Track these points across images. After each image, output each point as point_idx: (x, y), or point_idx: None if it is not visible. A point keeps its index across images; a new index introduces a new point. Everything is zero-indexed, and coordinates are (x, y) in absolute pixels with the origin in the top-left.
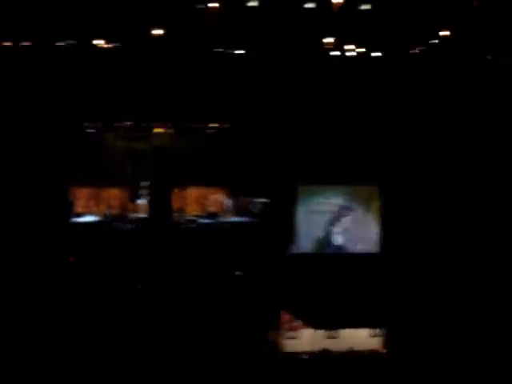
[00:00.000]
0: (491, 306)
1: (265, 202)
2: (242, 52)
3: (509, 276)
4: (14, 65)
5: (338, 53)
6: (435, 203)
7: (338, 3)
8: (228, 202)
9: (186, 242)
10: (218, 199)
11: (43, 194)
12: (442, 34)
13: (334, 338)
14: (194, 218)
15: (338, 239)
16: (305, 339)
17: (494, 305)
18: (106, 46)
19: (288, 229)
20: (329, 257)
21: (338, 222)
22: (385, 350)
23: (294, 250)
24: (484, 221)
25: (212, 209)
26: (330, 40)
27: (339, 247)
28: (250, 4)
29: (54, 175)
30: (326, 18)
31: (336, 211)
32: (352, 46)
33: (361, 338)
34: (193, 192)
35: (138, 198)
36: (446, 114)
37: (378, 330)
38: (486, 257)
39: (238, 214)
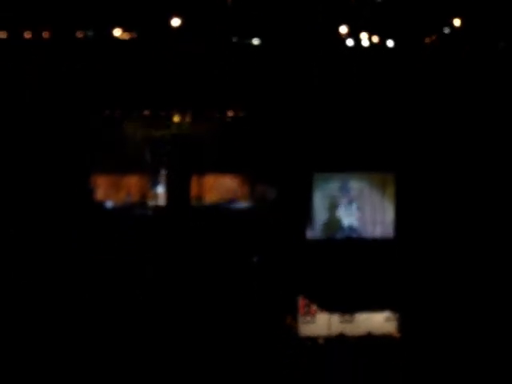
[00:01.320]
0: (502, 292)
1: (282, 189)
2: (258, 41)
3: None
4: (35, 55)
5: (352, 42)
6: (449, 191)
7: None
8: (245, 188)
9: (203, 228)
10: (236, 186)
11: (64, 182)
12: (454, 23)
13: (350, 322)
14: (212, 204)
15: (353, 225)
16: (321, 323)
17: (505, 292)
18: (125, 36)
19: (304, 215)
20: (344, 242)
21: (354, 207)
22: (399, 334)
23: (311, 235)
24: (497, 210)
25: (229, 195)
26: (345, 29)
27: (354, 232)
28: None
29: (74, 163)
30: (341, 8)
31: (351, 197)
32: (366, 35)
33: (376, 322)
34: (210, 179)
35: (157, 184)
36: (461, 103)
37: (392, 314)
38: (497, 245)
39: (255, 200)
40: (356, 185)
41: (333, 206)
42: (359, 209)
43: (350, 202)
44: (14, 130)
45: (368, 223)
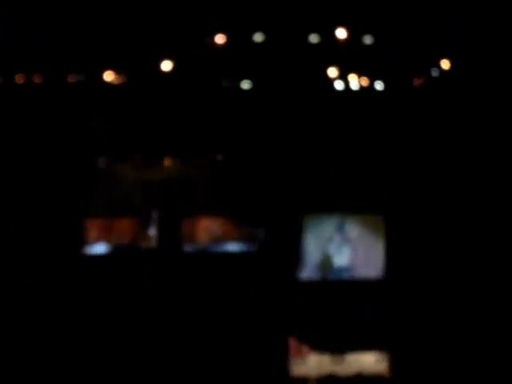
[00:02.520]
0: (498, 331)
1: (273, 230)
2: (248, 85)
3: None
4: (26, 99)
5: (341, 84)
6: (440, 233)
7: (342, 37)
8: (236, 230)
9: (194, 270)
10: (227, 228)
11: (55, 225)
12: (443, 65)
13: (341, 362)
14: (203, 246)
15: (346, 265)
16: (312, 364)
17: (501, 331)
18: (116, 79)
19: (294, 256)
20: (336, 282)
21: (346, 248)
22: (390, 374)
23: (300, 276)
24: (490, 248)
25: (220, 238)
26: (334, 72)
27: (347, 273)
28: (256, 38)
29: (65, 206)
30: (330, 51)
31: (344, 238)
32: (355, 78)
33: (367, 362)
34: (201, 221)
35: (149, 227)
36: (450, 145)
37: (383, 354)
38: (491, 283)
39: (246, 242)
40: (349, 226)
41: (325, 247)
42: (352, 250)
43: (343, 243)
44: (3, 174)
45: (361, 264)
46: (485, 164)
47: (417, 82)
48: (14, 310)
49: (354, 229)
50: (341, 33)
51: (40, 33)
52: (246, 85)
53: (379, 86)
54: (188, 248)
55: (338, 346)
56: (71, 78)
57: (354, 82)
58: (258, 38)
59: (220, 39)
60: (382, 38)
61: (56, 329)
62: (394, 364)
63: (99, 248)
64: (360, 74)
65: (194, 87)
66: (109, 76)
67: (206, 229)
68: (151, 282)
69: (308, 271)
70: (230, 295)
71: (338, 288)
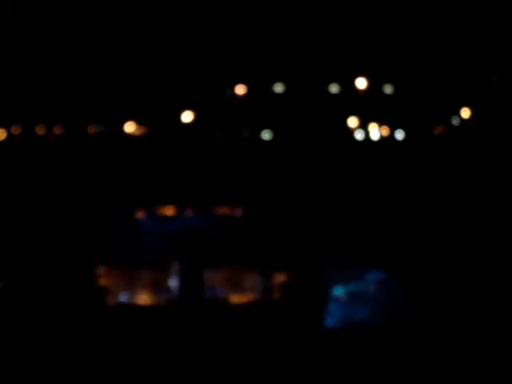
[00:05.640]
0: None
1: (294, 281)
2: (268, 136)
3: None
4: (48, 149)
5: (361, 134)
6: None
7: (362, 87)
8: (258, 281)
9: (217, 322)
10: (249, 279)
11: (75, 275)
12: (463, 113)
13: None
14: (225, 297)
15: (367, 314)
16: None
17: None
18: (137, 131)
19: (315, 306)
20: (358, 330)
21: (368, 297)
22: None
23: (322, 325)
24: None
25: (243, 288)
26: (354, 121)
27: (368, 321)
28: (277, 89)
29: (87, 257)
30: (350, 101)
31: (366, 288)
32: (375, 127)
33: None
34: (224, 272)
35: (170, 278)
36: (470, 195)
37: None
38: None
39: (268, 293)
40: (370, 276)
41: (344, 298)
42: (374, 299)
43: (364, 292)
44: (24, 221)
45: (382, 313)
46: (504, 218)
47: (437, 130)
48: (36, 361)
49: (377, 279)
50: (361, 82)
51: (61, 84)
52: (266, 135)
53: (400, 135)
54: (209, 297)
55: None
56: (91, 129)
57: (375, 131)
58: (279, 88)
59: (240, 90)
60: (402, 87)
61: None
62: None
63: (121, 298)
64: (380, 124)
65: (215, 138)
66: (129, 127)
67: (227, 278)
68: (172, 333)
69: (330, 320)
70: (251, 344)
71: (360, 335)
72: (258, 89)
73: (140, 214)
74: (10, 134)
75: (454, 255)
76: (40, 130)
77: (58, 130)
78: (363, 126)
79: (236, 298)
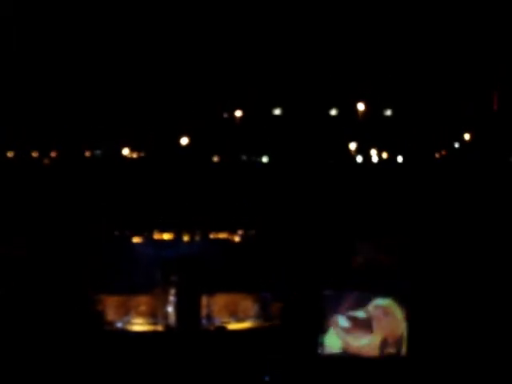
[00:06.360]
0: None
1: (294, 306)
2: (267, 159)
3: None
4: (43, 174)
5: (361, 158)
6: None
7: (362, 110)
8: (256, 307)
9: (214, 348)
10: (246, 304)
11: (73, 303)
12: (464, 137)
13: None
14: (222, 323)
15: (363, 342)
16: None
17: None
18: (133, 155)
19: (315, 331)
20: (355, 358)
21: (363, 325)
22: None
23: (322, 351)
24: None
25: (240, 314)
26: (354, 146)
27: (367, 350)
28: (276, 112)
29: (83, 284)
30: (350, 124)
31: (362, 316)
32: (375, 151)
33: None
34: (221, 298)
35: (167, 304)
36: (469, 219)
37: None
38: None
39: (266, 318)
40: (371, 303)
41: (342, 324)
42: (374, 326)
43: (360, 321)
44: (21, 246)
45: (379, 342)
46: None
47: (438, 154)
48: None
49: (378, 306)
50: (361, 106)
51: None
52: (264, 159)
53: (400, 159)
54: (206, 324)
55: None
56: (87, 153)
57: (375, 155)
58: (277, 111)
59: (239, 114)
60: (402, 111)
61: None
62: None
63: (118, 324)
64: (380, 148)
65: (212, 162)
66: (126, 151)
67: (224, 305)
68: (171, 359)
69: (329, 347)
70: (249, 370)
71: (358, 364)
72: (257, 112)
73: (136, 240)
74: (5, 159)
75: (455, 281)
76: (35, 154)
77: (53, 155)
78: (363, 150)
79: (233, 325)
